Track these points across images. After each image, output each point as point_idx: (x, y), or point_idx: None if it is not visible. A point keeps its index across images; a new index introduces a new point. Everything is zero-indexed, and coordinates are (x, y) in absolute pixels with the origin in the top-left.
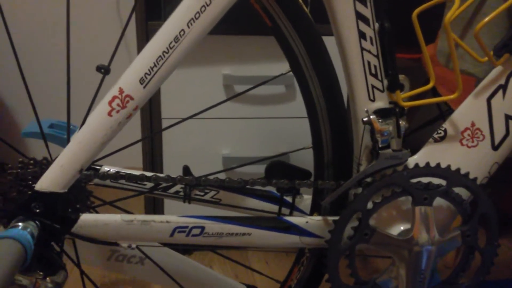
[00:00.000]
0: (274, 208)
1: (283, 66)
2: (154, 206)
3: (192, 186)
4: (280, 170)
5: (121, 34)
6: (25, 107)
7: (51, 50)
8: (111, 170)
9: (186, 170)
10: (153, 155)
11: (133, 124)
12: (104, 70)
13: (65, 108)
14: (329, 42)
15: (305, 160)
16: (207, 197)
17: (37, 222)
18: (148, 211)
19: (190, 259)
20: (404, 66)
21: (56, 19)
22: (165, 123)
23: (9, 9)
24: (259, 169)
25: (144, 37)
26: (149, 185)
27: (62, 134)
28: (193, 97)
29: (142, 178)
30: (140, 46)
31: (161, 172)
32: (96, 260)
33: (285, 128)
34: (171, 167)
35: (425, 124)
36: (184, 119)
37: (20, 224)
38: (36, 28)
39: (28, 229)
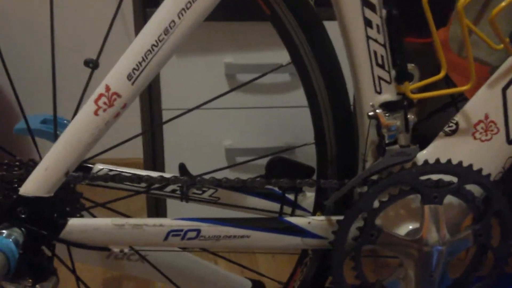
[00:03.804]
0: (275, 206)
1: (287, 53)
2: (157, 206)
3: (187, 186)
4: (281, 166)
5: (110, 24)
6: (27, 102)
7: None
8: (103, 169)
9: (183, 168)
10: (154, 147)
11: (133, 115)
12: (92, 64)
13: (61, 102)
14: (333, 27)
15: (310, 153)
16: (205, 195)
17: (22, 228)
18: (150, 211)
19: (193, 255)
20: (414, 50)
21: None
22: (165, 114)
23: None
24: (263, 162)
25: (143, 26)
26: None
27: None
28: (194, 86)
29: (133, 179)
30: None
31: (163, 164)
32: (94, 258)
33: (290, 118)
34: (173, 159)
35: (436, 111)
36: (185, 112)
37: (4, 231)
38: (24, 18)
39: (13, 237)
